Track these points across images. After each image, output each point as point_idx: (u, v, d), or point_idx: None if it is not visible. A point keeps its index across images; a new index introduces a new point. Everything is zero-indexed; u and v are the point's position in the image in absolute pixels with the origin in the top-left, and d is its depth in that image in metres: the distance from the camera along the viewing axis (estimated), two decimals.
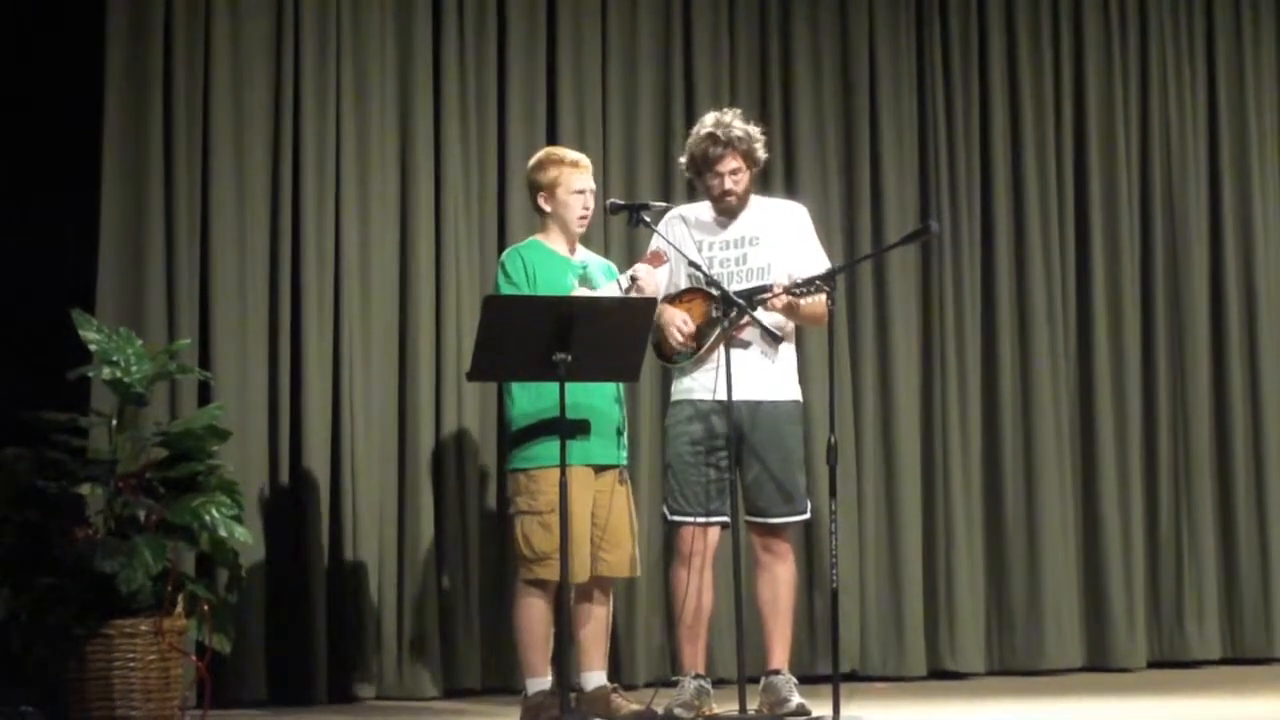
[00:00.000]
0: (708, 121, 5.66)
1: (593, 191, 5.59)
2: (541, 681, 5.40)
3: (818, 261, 5.65)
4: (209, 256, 6.43)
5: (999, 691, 6.62)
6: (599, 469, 5.49)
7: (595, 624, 5.54)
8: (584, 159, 5.63)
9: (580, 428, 5.40)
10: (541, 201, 5.62)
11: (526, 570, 5.43)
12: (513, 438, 5.53)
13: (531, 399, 5.44)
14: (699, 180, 5.72)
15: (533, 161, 5.70)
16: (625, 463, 5.60)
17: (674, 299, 5.64)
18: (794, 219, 5.75)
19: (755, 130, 5.66)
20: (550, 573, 5.34)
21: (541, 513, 5.37)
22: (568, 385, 5.10)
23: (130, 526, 5.57)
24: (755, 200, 5.73)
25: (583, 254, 5.68)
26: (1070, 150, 7.71)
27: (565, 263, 5.57)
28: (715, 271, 5.57)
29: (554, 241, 5.61)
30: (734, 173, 5.61)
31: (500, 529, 6.59)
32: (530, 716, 5.39)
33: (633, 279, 5.44)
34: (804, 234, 5.72)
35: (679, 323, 5.55)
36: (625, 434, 5.59)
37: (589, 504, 5.43)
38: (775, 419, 5.57)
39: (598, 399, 5.48)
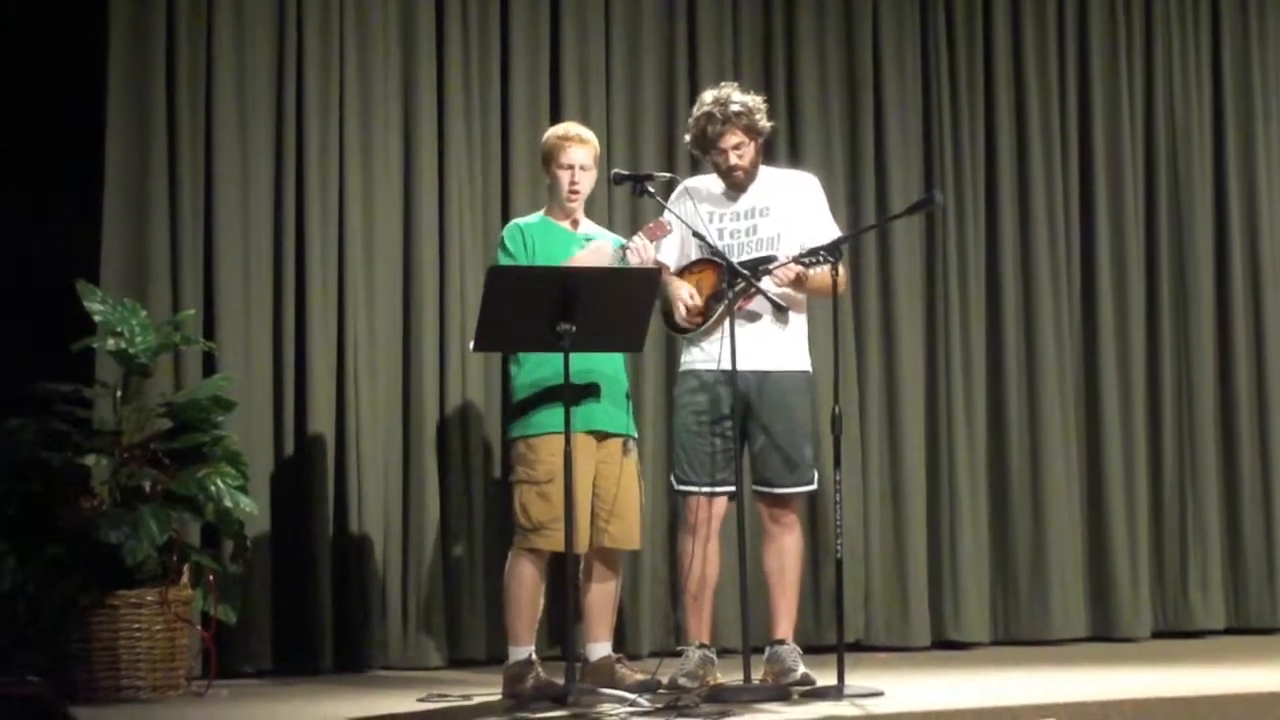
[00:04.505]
0: (706, 99, 5.63)
1: (584, 167, 5.54)
2: (523, 650, 5.41)
3: (828, 231, 5.63)
4: (213, 228, 6.42)
5: (1003, 661, 6.62)
6: (601, 436, 5.48)
7: (602, 596, 5.55)
8: (579, 133, 5.59)
9: (585, 392, 5.39)
10: (545, 173, 5.64)
11: (523, 539, 5.43)
12: (514, 406, 5.53)
13: (536, 366, 5.43)
14: (705, 158, 5.71)
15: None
16: (633, 433, 5.59)
17: (685, 270, 5.63)
18: (804, 188, 5.73)
19: (755, 101, 5.63)
20: (546, 542, 5.35)
21: (539, 482, 5.37)
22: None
23: (135, 497, 5.60)
24: (764, 171, 5.71)
25: (588, 227, 5.68)
26: (1074, 118, 7.68)
27: (568, 236, 5.57)
28: (725, 243, 5.55)
29: (556, 215, 5.62)
30: (737, 147, 5.58)
31: (504, 499, 6.59)
32: (510, 685, 5.39)
33: (624, 249, 5.43)
34: (814, 203, 5.71)
35: (685, 296, 5.53)
36: (631, 402, 5.59)
37: (589, 473, 5.42)
38: (783, 389, 5.56)
39: (603, 363, 5.47)
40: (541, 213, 5.67)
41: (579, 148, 5.56)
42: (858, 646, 6.97)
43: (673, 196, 5.72)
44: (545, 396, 5.40)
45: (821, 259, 5.41)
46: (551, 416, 5.31)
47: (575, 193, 5.56)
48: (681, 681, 5.41)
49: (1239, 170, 7.86)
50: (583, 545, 5.40)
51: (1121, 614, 7.46)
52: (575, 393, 5.22)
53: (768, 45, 7.31)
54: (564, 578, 5.32)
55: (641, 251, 5.41)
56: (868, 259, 7.31)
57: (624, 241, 5.52)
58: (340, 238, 6.61)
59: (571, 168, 5.55)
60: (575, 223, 5.62)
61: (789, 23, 7.32)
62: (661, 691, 5.32)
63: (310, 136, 6.57)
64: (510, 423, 5.58)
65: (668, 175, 5.89)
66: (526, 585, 5.43)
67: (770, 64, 7.29)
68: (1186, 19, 7.87)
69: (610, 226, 6.26)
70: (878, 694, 5.22)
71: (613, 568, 5.57)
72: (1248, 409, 7.77)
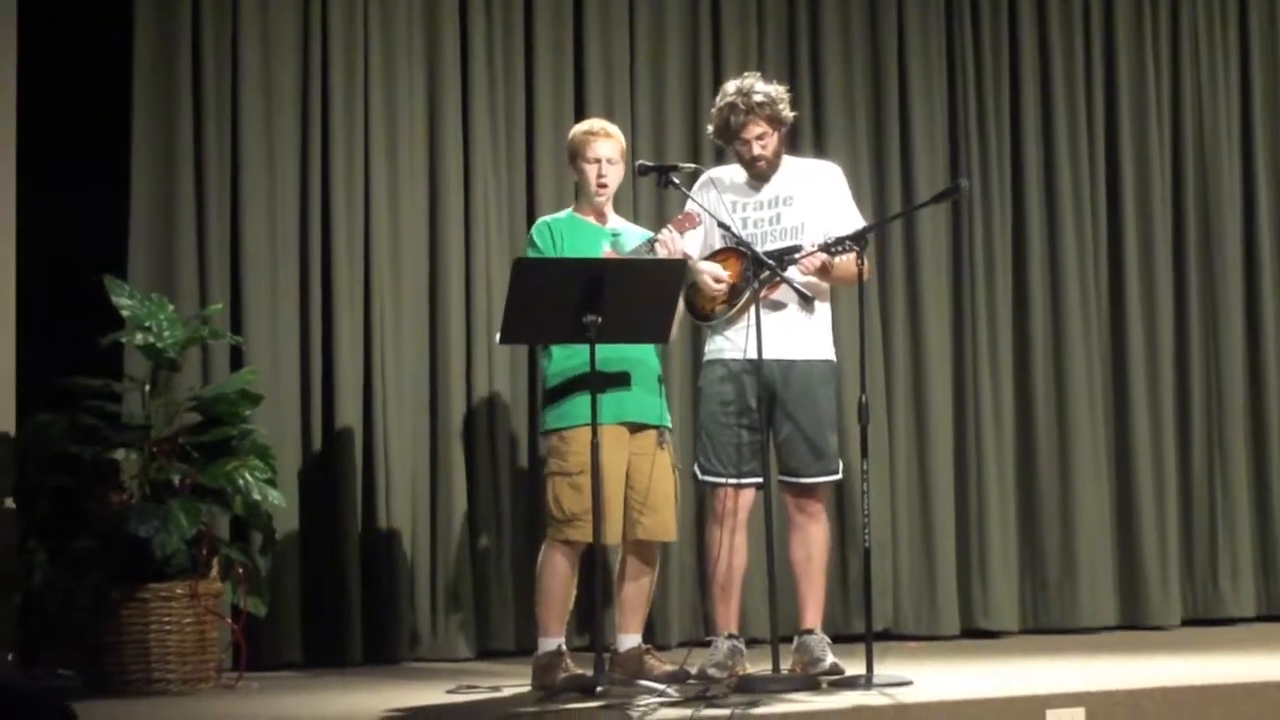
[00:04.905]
0: (729, 90, 5.63)
1: (610, 161, 5.54)
2: (552, 641, 5.42)
3: (852, 220, 5.63)
4: (239, 221, 6.44)
5: (1033, 650, 6.62)
6: (635, 428, 5.48)
7: (636, 590, 5.55)
8: (604, 128, 5.61)
9: (616, 381, 5.39)
10: (572, 169, 5.64)
11: (556, 530, 5.43)
12: (546, 395, 5.54)
13: (566, 356, 5.44)
14: (728, 148, 5.71)
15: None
16: (667, 422, 5.58)
17: (708, 259, 5.62)
18: (827, 178, 5.73)
19: (778, 90, 5.62)
20: (580, 534, 5.36)
21: (571, 474, 5.37)
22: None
23: (164, 491, 5.62)
24: (788, 160, 5.71)
25: (617, 222, 5.68)
26: (1101, 106, 7.65)
27: (596, 231, 5.57)
28: (749, 232, 5.55)
29: (584, 211, 5.62)
30: (760, 138, 5.58)
31: (532, 490, 6.61)
32: (539, 676, 5.41)
33: (653, 242, 5.43)
34: (837, 193, 5.70)
35: (713, 271, 5.53)
36: (663, 386, 5.58)
37: (622, 464, 5.43)
38: (808, 378, 5.56)
39: (633, 348, 5.44)
40: (570, 209, 5.68)
41: (605, 142, 5.57)
42: (886, 635, 6.95)
43: (696, 186, 5.72)
44: (577, 387, 5.39)
45: (847, 247, 5.40)
46: (584, 408, 5.26)
47: (603, 187, 5.57)
48: (710, 672, 5.42)
49: (1266, 158, 7.81)
50: (614, 536, 5.40)
51: (1151, 602, 7.44)
52: (605, 382, 5.22)
53: (792, 36, 7.30)
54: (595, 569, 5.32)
55: (670, 244, 5.42)
56: (894, 248, 7.30)
57: (653, 235, 5.52)
58: (366, 232, 6.62)
59: (598, 162, 5.55)
60: (603, 217, 5.62)
61: (813, 13, 7.30)
62: (690, 682, 5.32)
63: (335, 130, 6.58)
64: (543, 414, 5.59)
65: (692, 166, 5.87)
66: (559, 577, 5.44)
67: (795, 54, 7.28)
68: (1214, 13, 7.82)
69: (636, 219, 6.27)
70: (906, 683, 5.22)
71: (648, 561, 5.56)
72: (1276, 396, 7.73)
